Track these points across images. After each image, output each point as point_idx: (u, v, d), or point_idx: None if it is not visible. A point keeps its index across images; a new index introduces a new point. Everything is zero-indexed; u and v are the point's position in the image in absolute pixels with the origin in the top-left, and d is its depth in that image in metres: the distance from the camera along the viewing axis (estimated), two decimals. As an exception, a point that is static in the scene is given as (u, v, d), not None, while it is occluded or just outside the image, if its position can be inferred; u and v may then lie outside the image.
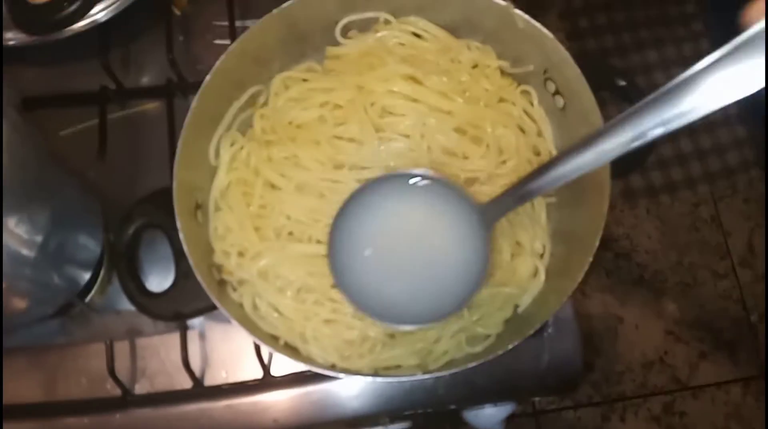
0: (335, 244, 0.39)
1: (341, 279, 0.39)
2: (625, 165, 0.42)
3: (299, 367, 0.40)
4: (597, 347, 1.30)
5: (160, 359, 0.50)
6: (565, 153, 0.33)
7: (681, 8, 1.47)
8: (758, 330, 1.30)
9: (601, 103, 0.42)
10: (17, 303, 0.44)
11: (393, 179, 0.40)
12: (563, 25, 1.43)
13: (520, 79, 0.48)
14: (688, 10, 1.47)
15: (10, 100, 0.32)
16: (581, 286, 0.39)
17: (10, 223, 0.35)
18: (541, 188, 0.35)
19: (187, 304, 0.42)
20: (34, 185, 0.38)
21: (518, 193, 0.37)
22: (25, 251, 0.38)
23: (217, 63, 0.42)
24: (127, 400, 0.48)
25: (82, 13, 0.32)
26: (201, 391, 0.49)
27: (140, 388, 0.49)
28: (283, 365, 0.49)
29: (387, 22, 0.47)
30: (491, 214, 0.39)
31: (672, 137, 1.39)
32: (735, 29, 0.24)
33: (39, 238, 0.39)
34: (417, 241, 0.40)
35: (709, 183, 1.38)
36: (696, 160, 1.39)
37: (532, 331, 0.39)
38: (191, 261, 0.39)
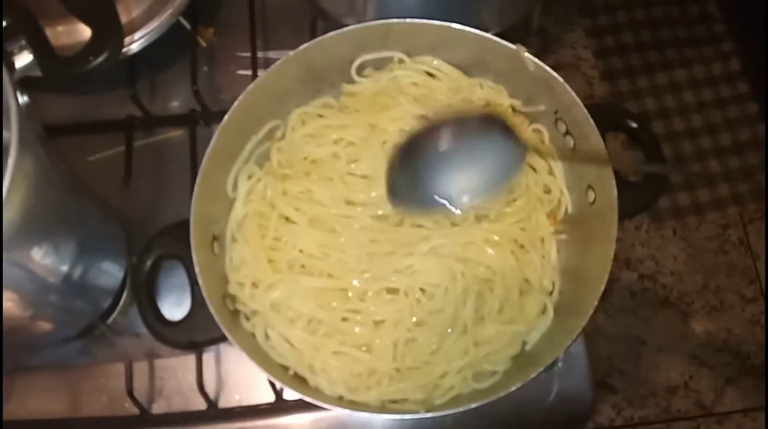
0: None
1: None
2: (632, 207, 0.43)
3: (308, 393, 0.42)
4: (620, 369, 1.28)
5: (177, 380, 0.51)
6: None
7: (708, 27, 1.45)
8: (787, 357, 1.27)
9: (614, 143, 0.43)
10: (42, 326, 0.46)
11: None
12: (590, 42, 1.42)
13: (531, 118, 0.48)
14: (716, 30, 1.45)
15: (34, 133, 0.34)
16: (604, 306, 0.40)
17: (36, 254, 0.37)
18: None
19: (201, 332, 0.43)
20: (57, 219, 0.40)
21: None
22: (51, 279, 0.40)
23: (237, 101, 0.44)
24: (145, 419, 0.50)
25: (110, 62, 0.34)
26: (215, 413, 0.50)
27: (157, 408, 0.51)
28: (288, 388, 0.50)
29: (401, 61, 0.48)
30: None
31: (700, 158, 1.37)
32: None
33: (65, 268, 0.41)
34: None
35: (737, 205, 1.35)
36: (724, 182, 1.37)
37: (535, 374, 0.39)
38: (205, 295, 0.40)
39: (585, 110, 0.42)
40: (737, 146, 1.37)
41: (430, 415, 0.40)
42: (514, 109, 0.48)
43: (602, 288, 0.40)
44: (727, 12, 1.44)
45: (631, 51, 1.41)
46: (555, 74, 0.43)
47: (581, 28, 1.44)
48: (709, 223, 1.35)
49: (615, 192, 0.41)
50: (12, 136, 0.30)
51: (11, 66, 0.34)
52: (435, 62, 0.48)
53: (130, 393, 0.48)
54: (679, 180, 1.35)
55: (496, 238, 0.45)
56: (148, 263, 0.43)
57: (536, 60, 0.43)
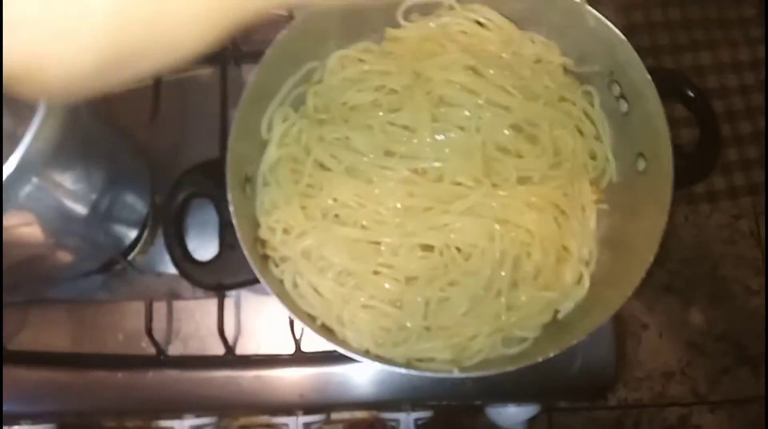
0: None
1: None
2: (689, 175, 0.41)
3: (330, 345, 0.41)
4: (620, 351, 1.28)
5: (195, 323, 0.50)
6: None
7: (740, 11, 1.41)
8: (785, 350, 1.27)
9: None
10: (63, 256, 0.45)
11: None
12: (619, 18, 1.39)
13: (582, 79, 0.46)
14: (746, 14, 1.41)
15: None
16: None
17: (67, 181, 0.36)
18: None
19: (229, 275, 0.42)
20: (90, 144, 0.38)
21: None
22: (79, 208, 0.39)
23: (278, 37, 0.42)
24: (161, 359, 0.49)
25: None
26: (232, 358, 0.49)
27: (174, 350, 0.50)
28: (313, 342, 0.50)
29: (451, 7, 0.46)
30: None
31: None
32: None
33: (93, 196, 0.39)
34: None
35: (752, 196, 1.34)
36: (740, 171, 1.35)
37: (574, 342, 0.38)
38: (239, 234, 0.39)
39: (647, 73, 0.40)
40: (757, 135, 1.35)
41: (459, 375, 0.39)
42: (565, 68, 0.46)
43: (651, 260, 0.39)
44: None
45: (659, 30, 1.38)
46: (617, 31, 0.41)
47: (612, 3, 1.40)
48: (722, 212, 1.34)
49: (672, 160, 0.39)
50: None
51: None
52: (486, 11, 0.45)
53: (149, 332, 0.47)
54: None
55: (537, 201, 0.43)
56: (179, 199, 0.41)
57: (598, 14, 0.41)
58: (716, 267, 1.32)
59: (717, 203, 1.34)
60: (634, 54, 0.41)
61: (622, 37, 0.41)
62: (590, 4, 0.42)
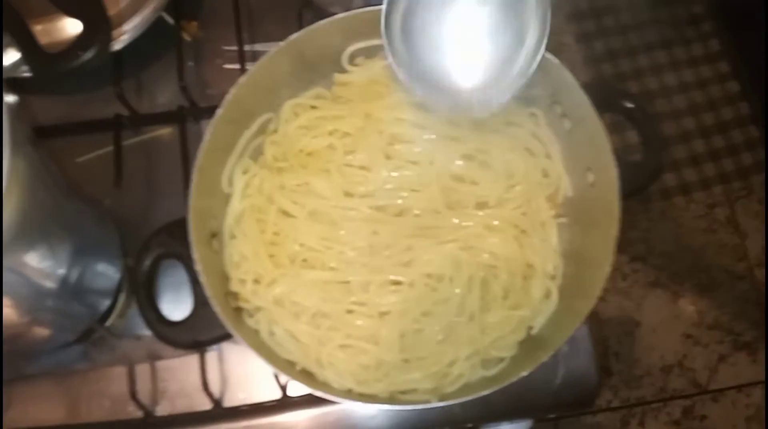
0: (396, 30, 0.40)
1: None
2: (632, 186, 0.43)
3: (313, 388, 0.41)
4: (615, 351, 1.29)
5: (180, 381, 0.51)
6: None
7: (688, 9, 1.46)
8: (778, 331, 1.29)
9: (609, 123, 0.43)
10: (40, 332, 0.45)
11: None
12: (571, 27, 1.42)
13: (527, 102, 0.48)
14: (695, 11, 1.46)
15: (25, 134, 0.33)
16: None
17: (33, 259, 0.36)
18: None
19: (205, 331, 0.42)
20: (52, 221, 0.39)
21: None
22: (48, 284, 0.39)
23: (228, 95, 0.43)
24: (149, 422, 0.49)
25: (97, 61, 0.33)
26: (220, 412, 0.50)
27: (161, 410, 0.50)
28: (299, 386, 0.50)
29: (394, 48, 0.47)
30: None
31: (684, 138, 1.38)
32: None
33: (61, 271, 0.40)
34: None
35: (723, 184, 1.37)
36: (710, 162, 1.38)
37: (546, 358, 0.39)
38: (208, 292, 0.40)
39: (582, 92, 0.42)
40: (721, 126, 1.38)
41: (440, 404, 0.40)
42: (509, 94, 0.48)
43: (608, 269, 0.40)
44: (706, -7, 1.45)
45: (613, 34, 1.42)
46: (551, 56, 0.43)
47: (562, 13, 1.44)
48: (697, 203, 1.36)
49: (616, 172, 0.41)
50: (4, 137, 0.29)
51: (-1, 65, 0.33)
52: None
53: (133, 396, 0.48)
54: (665, 161, 1.36)
55: (497, 224, 0.45)
56: (147, 263, 0.42)
57: (531, 42, 0.43)
58: (699, 257, 1.34)
59: (690, 195, 1.36)
60: (569, 75, 0.43)
61: (556, 60, 0.43)
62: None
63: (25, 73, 0.46)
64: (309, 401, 0.50)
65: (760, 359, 1.27)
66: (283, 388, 0.49)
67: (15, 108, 0.30)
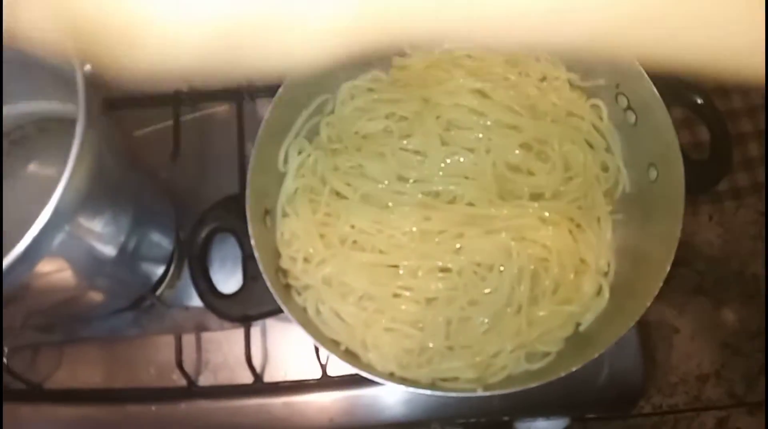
0: None
1: None
2: (701, 181, 0.42)
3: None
4: (651, 357, 1.26)
5: (224, 354, 0.52)
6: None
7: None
8: (823, 347, 1.24)
9: (675, 120, 0.41)
10: (95, 296, 0.47)
11: None
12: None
13: (589, 93, 0.47)
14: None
15: (98, 103, 0.34)
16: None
17: (97, 226, 0.37)
18: None
19: (254, 306, 0.43)
20: (117, 190, 0.40)
21: None
22: (108, 250, 0.40)
23: (289, 76, 0.43)
24: (192, 391, 0.50)
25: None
26: (261, 386, 0.50)
27: (204, 380, 0.51)
28: (339, 366, 0.50)
29: (456, 33, 0.47)
30: None
31: (739, 140, 1.33)
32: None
33: (121, 238, 0.41)
34: None
35: (777, 190, 1.32)
36: (762, 166, 1.33)
37: (595, 355, 0.39)
38: (261, 266, 0.40)
39: (651, 84, 0.41)
40: (779, 130, 1.33)
41: (483, 393, 0.40)
42: (571, 84, 0.47)
43: (667, 269, 0.39)
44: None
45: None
46: (620, 46, 0.41)
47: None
48: (747, 208, 1.32)
49: (682, 169, 0.40)
50: (79, 105, 0.29)
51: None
52: (490, 34, 0.46)
53: (179, 364, 0.49)
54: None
55: (552, 216, 0.44)
56: (202, 235, 0.43)
57: (600, 31, 0.42)
58: (745, 264, 1.29)
59: (741, 200, 1.31)
60: (639, 67, 0.41)
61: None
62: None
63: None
64: (348, 382, 0.50)
65: (803, 373, 1.23)
66: (323, 367, 0.50)
67: (90, 77, 0.31)
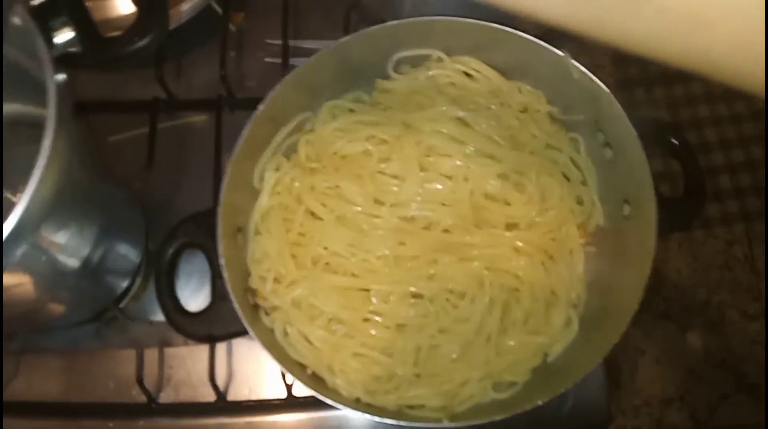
0: None
1: None
2: (673, 222, 0.42)
3: (321, 391, 0.41)
4: (616, 378, 1.28)
5: (187, 370, 0.50)
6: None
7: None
8: (784, 377, 1.27)
9: (651, 157, 0.42)
10: (56, 308, 0.45)
11: None
12: (609, 49, 1.41)
13: (569, 126, 0.47)
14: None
15: (69, 111, 0.33)
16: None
17: (61, 238, 0.36)
18: None
19: (220, 326, 0.42)
20: (85, 200, 0.38)
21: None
22: (71, 263, 0.39)
23: (272, 91, 0.43)
24: (152, 407, 0.49)
25: (151, 48, 0.33)
26: (224, 405, 0.49)
27: (165, 397, 0.50)
28: (305, 387, 0.50)
29: (440, 59, 0.47)
30: None
31: (711, 172, 1.36)
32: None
33: (86, 251, 0.40)
34: None
35: (745, 222, 1.35)
36: (734, 199, 1.36)
37: (562, 390, 0.39)
38: (229, 286, 0.40)
39: (629, 123, 0.41)
40: (749, 164, 1.37)
41: (451, 425, 0.39)
42: (552, 117, 0.47)
43: (636, 306, 0.39)
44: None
45: (650, 61, 1.40)
46: (601, 84, 0.42)
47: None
48: (716, 238, 1.35)
49: (655, 209, 0.40)
50: (49, 113, 0.28)
51: (50, 42, 0.32)
52: (474, 63, 0.47)
53: (139, 380, 0.47)
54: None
55: (525, 247, 0.44)
56: (170, 251, 0.42)
57: (582, 68, 0.42)
58: (712, 293, 1.32)
59: (711, 229, 1.34)
60: (618, 106, 0.42)
61: (606, 89, 0.42)
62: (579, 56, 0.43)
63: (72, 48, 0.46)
64: (314, 403, 0.49)
65: (762, 402, 1.25)
66: (289, 388, 0.49)
67: (63, 85, 0.30)
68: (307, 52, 0.45)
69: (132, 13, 0.34)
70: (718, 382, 1.26)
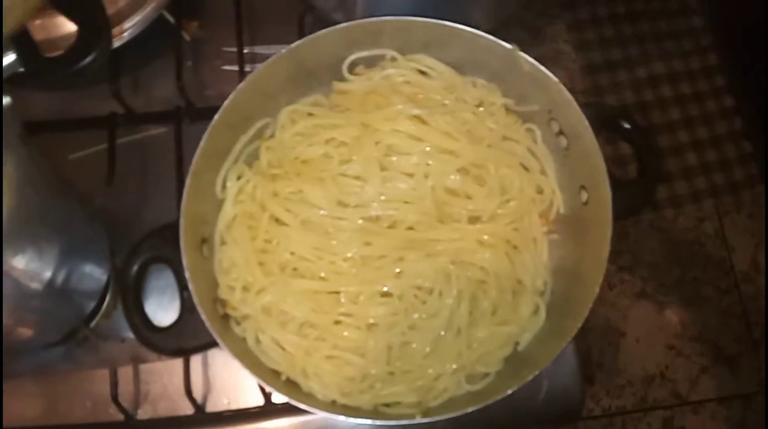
0: None
1: None
2: (626, 207, 0.43)
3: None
4: (598, 361, 1.30)
5: (163, 384, 0.50)
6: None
7: (687, 21, 1.47)
8: (760, 346, 1.30)
9: (605, 142, 0.43)
10: (24, 332, 0.45)
11: None
12: (571, 36, 1.43)
13: (524, 117, 0.48)
14: (695, 24, 1.47)
15: (15, 135, 0.32)
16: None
17: (20, 261, 0.36)
18: None
19: (191, 338, 0.42)
20: (41, 222, 0.38)
21: None
22: (34, 285, 0.39)
23: (227, 101, 0.43)
24: (130, 425, 0.49)
25: (95, 65, 0.32)
26: (202, 417, 0.49)
27: (143, 414, 0.50)
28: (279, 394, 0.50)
29: (394, 59, 0.47)
30: None
31: (677, 151, 1.39)
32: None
33: (48, 273, 0.39)
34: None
35: (714, 198, 1.38)
36: (701, 175, 1.39)
37: (531, 376, 0.39)
38: (195, 298, 0.40)
39: (579, 110, 0.42)
40: (714, 140, 1.39)
41: (425, 420, 0.40)
42: (507, 109, 0.48)
43: (597, 290, 0.40)
44: (707, 6, 1.46)
45: (612, 45, 1.42)
46: (550, 74, 0.43)
47: (562, 22, 1.44)
48: (686, 216, 1.37)
49: (609, 193, 0.41)
50: (-6, 139, 0.28)
51: (-9, 66, 0.32)
52: (428, 60, 0.47)
53: (114, 399, 0.47)
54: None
55: (489, 239, 0.45)
56: (135, 267, 0.42)
57: (531, 59, 0.43)
58: (686, 270, 1.35)
59: (681, 208, 1.37)
60: (568, 94, 0.43)
61: (555, 79, 0.43)
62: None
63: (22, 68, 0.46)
64: (292, 409, 0.49)
65: (740, 373, 1.28)
66: (267, 395, 0.49)
67: (7, 109, 0.30)
68: (264, 58, 0.45)
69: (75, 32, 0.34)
70: (696, 355, 1.29)
